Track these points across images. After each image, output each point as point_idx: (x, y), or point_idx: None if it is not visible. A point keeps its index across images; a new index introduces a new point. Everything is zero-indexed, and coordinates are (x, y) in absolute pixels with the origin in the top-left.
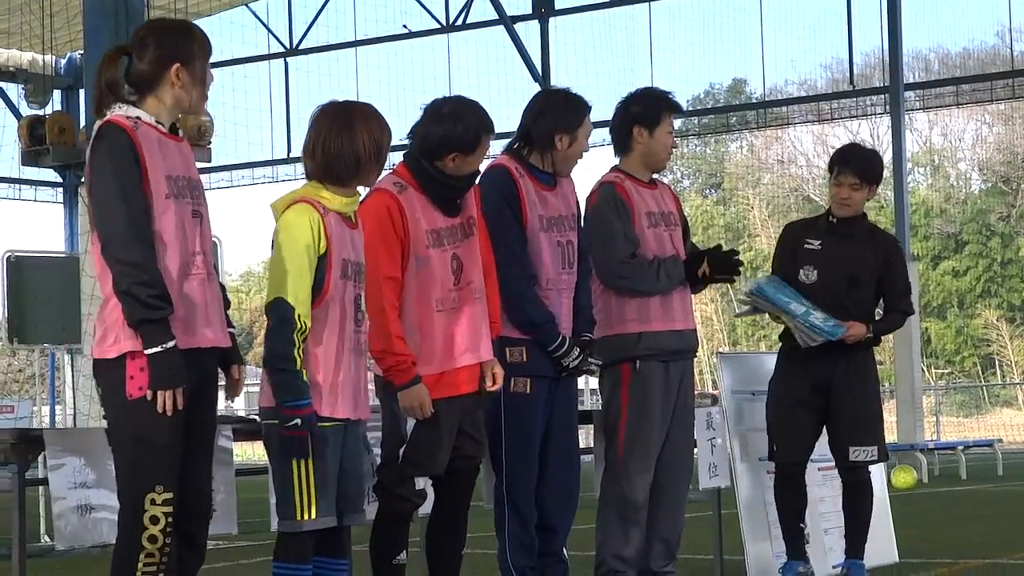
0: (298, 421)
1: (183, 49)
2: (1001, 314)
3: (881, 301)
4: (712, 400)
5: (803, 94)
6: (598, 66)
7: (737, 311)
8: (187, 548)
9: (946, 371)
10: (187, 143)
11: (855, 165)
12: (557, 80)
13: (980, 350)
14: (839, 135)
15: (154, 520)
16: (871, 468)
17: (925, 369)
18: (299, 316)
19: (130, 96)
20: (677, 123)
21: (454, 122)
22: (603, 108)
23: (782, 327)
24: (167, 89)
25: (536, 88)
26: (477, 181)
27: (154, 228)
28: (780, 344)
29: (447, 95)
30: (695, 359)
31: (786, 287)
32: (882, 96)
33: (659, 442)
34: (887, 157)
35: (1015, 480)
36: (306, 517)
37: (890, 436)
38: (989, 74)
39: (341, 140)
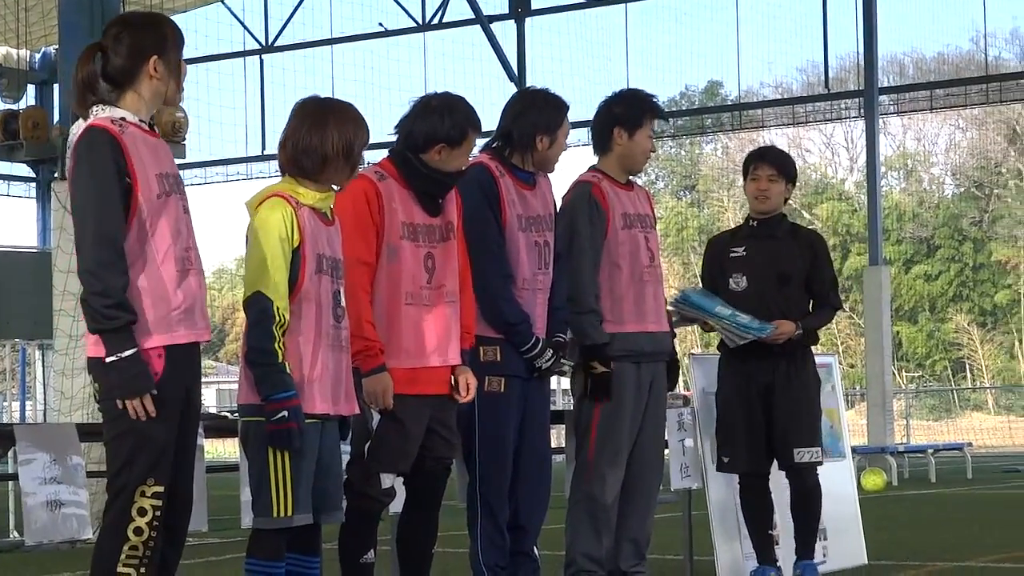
0: (285, 413)
1: (157, 41)
2: (972, 318)
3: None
4: (684, 401)
5: (778, 97)
6: (574, 66)
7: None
8: (169, 545)
9: (917, 374)
10: (163, 141)
11: (771, 159)
12: (532, 80)
13: (951, 354)
14: (813, 138)
15: (142, 512)
16: (819, 470)
17: (896, 372)
18: (278, 309)
19: (108, 93)
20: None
21: (442, 115)
22: (579, 109)
23: (719, 337)
24: (145, 82)
25: (512, 88)
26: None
27: (147, 230)
28: (719, 354)
29: (436, 91)
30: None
31: (711, 294)
32: (857, 100)
33: (630, 443)
34: (861, 160)
35: (984, 484)
36: (283, 514)
37: (860, 439)
38: (963, 79)
39: (311, 136)
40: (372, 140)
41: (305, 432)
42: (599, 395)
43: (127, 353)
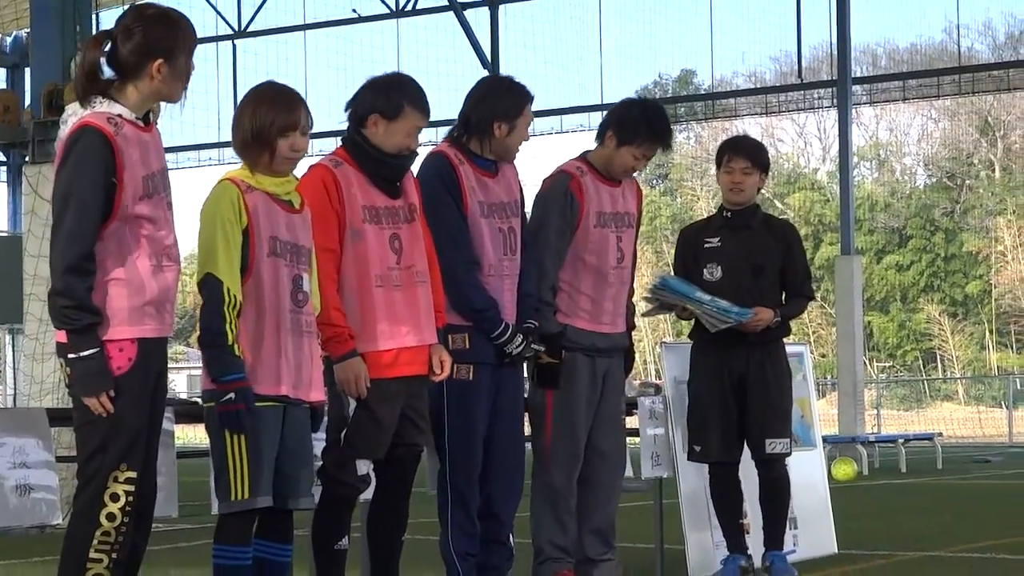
0: (232, 395)
1: (167, 43)
2: (943, 309)
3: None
4: (656, 390)
5: (751, 86)
6: (547, 54)
7: (643, 311)
8: (136, 531)
9: (888, 364)
10: (157, 130)
11: (745, 150)
12: (506, 68)
13: (922, 344)
14: (786, 128)
15: (114, 497)
16: (787, 460)
17: (867, 362)
18: (228, 290)
19: (111, 79)
20: None
21: (381, 88)
22: (552, 97)
23: (692, 323)
24: (146, 81)
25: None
26: (417, 172)
27: (128, 227)
28: (692, 342)
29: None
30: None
31: (689, 281)
32: (829, 89)
33: (586, 431)
34: (833, 150)
35: (954, 473)
36: (240, 496)
37: (831, 428)
38: (936, 70)
39: (233, 122)
40: (341, 127)
41: (261, 414)
42: (544, 384)
43: (86, 353)
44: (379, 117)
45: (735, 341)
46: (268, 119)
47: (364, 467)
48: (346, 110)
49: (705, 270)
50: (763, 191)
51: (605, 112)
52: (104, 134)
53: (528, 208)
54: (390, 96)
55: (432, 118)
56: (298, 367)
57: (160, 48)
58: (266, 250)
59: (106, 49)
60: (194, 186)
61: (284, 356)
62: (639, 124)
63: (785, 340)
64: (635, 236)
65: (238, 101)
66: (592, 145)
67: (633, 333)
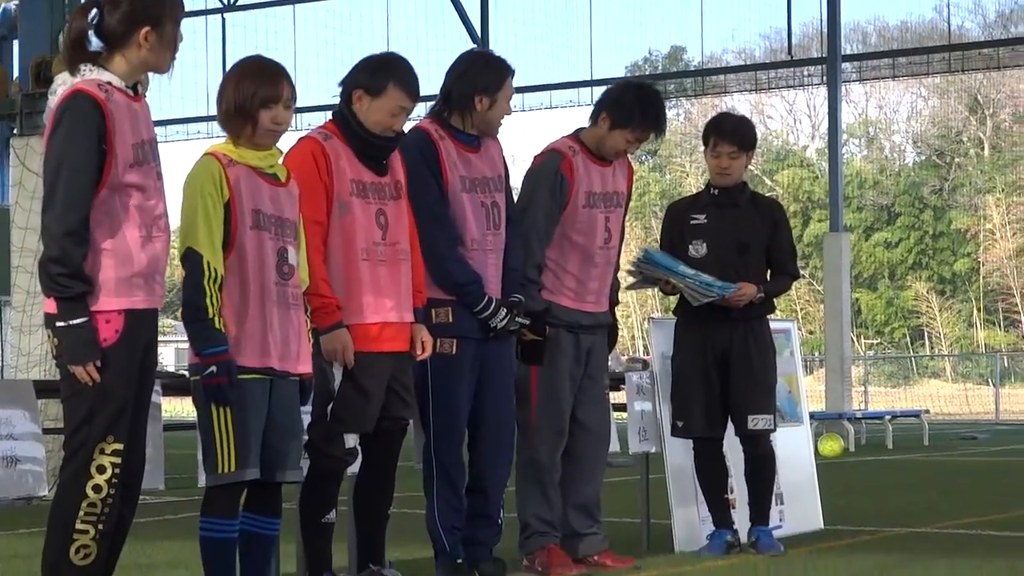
0: (214, 368)
1: (154, 11)
2: (931, 286)
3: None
4: (643, 365)
5: (741, 63)
6: (537, 30)
7: (625, 284)
8: (123, 503)
9: (875, 341)
10: (145, 101)
11: (731, 134)
12: (496, 44)
13: (910, 321)
14: (776, 104)
15: (101, 469)
16: (772, 436)
17: (855, 339)
18: (208, 263)
19: (98, 50)
20: None
21: (371, 65)
22: (541, 72)
23: (676, 299)
24: (134, 50)
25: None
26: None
27: (117, 196)
28: (676, 318)
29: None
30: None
31: (673, 255)
32: (819, 67)
33: (569, 406)
34: (823, 128)
35: (941, 451)
36: (227, 469)
37: (819, 404)
38: (926, 47)
39: (219, 95)
40: (331, 102)
41: (247, 387)
42: (529, 360)
43: (76, 321)
44: (363, 93)
45: (719, 317)
46: (250, 91)
47: (351, 440)
48: (339, 85)
49: (691, 246)
50: (752, 168)
51: (594, 88)
52: (95, 99)
53: (516, 183)
54: (376, 73)
55: (421, 93)
56: (285, 339)
57: (147, 16)
58: (249, 223)
59: (92, 19)
60: (183, 159)
61: (270, 329)
62: (634, 109)
63: (773, 317)
64: (624, 215)
65: None
66: (584, 122)
67: (618, 309)
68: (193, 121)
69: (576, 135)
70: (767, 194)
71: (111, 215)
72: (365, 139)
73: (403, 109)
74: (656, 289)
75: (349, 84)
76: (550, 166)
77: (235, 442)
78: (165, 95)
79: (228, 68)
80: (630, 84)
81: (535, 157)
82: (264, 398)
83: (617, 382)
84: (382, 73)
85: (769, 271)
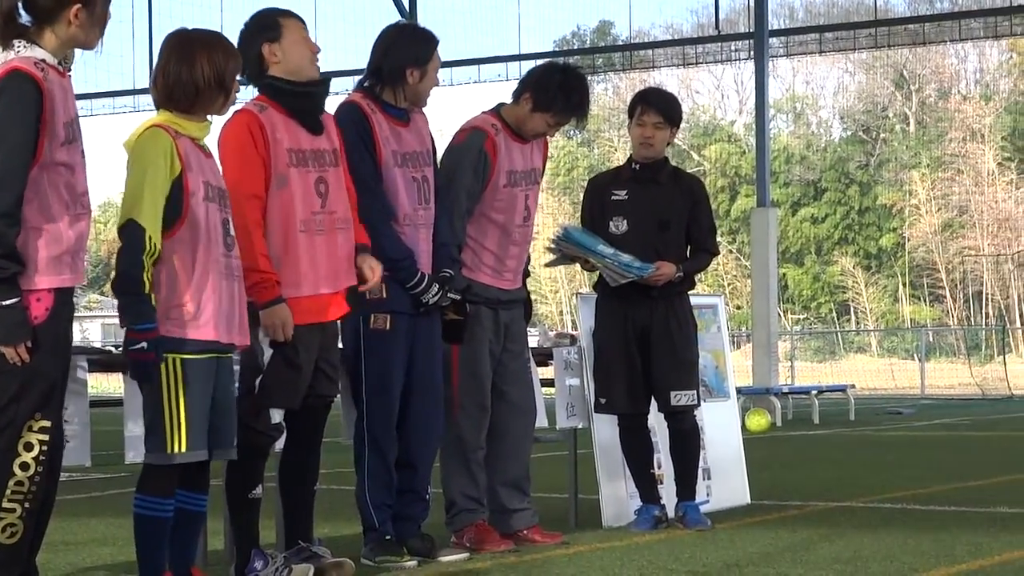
0: (143, 345)
1: None
2: (857, 262)
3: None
4: (571, 340)
5: (669, 38)
6: (465, 4)
7: (545, 261)
8: (49, 481)
9: (802, 316)
10: (70, 77)
11: (657, 104)
12: (424, 18)
13: (836, 296)
14: (704, 80)
15: (28, 447)
16: (696, 412)
17: (781, 314)
18: (149, 238)
19: (27, 24)
20: None
21: (256, 22)
22: (469, 46)
23: (597, 275)
24: (63, 26)
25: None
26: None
27: (47, 175)
28: (596, 294)
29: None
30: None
31: (593, 233)
32: (747, 42)
33: (490, 380)
34: (750, 103)
35: (866, 425)
36: (176, 450)
37: (745, 380)
38: (852, 23)
39: (181, 68)
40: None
41: (200, 368)
42: (450, 339)
43: (8, 302)
44: (267, 44)
45: (638, 295)
46: (226, 64)
47: (277, 416)
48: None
49: (611, 223)
50: (681, 143)
51: (522, 63)
52: (35, 79)
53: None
54: (259, 19)
55: (348, 67)
56: (230, 311)
57: None
58: (201, 195)
59: None
60: (108, 134)
61: (217, 301)
62: (557, 93)
63: (700, 292)
64: (538, 192)
65: (154, 49)
66: (507, 99)
67: (546, 284)
68: (120, 95)
69: (497, 111)
70: (695, 169)
71: (40, 194)
72: (297, 93)
73: (306, 37)
74: (575, 265)
75: (252, 48)
76: (473, 144)
77: (187, 423)
78: (91, 67)
79: (174, 41)
80: (555, 67)
81: (456, 134)
82: (211, 377)
83: (545, 357)
84: (268, 19)
85: (689, 248)
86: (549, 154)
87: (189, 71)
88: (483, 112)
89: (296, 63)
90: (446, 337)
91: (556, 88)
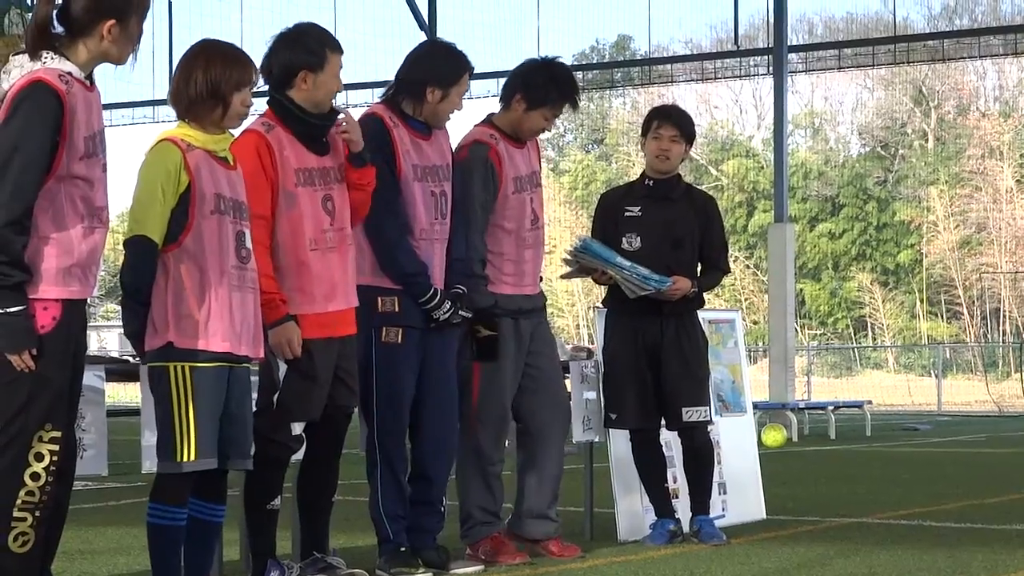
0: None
1: (121, 4)
2: (874, 277)
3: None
4: (588, 354)
5: (688, 53)
6: (485, 17)
7: (561, 273)
8: (61, 489)
9: (819, 332)
10: (97, 89)
11: (675, 119)
12: (444, 31)
13: (853, 312)
14: (722, 94)
15: (39, 457)
16: (709, 428)
17: (798, 329)
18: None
19: (60, 35)
20: None
21: (296, 42)
22: (488, 61)
23: (607, 289)
24: (96, 40)
25: (422, 38)
26: None
27: (63, 187)
28: (607, 310)
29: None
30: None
31: (610, 248)
32: (765, 57)
33: (512, 393)
34: (768, 118)
35: (883, 441)
36: (185, 458)
37: (762, 395)
38: (871, 39)
39: (180, 80)
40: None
41: (208, 376)
42: (485, 358)
43: (14, 309)
44: (307, 72)
45: (649, 310)
46: (223, 74)
47: (297, 428)
48: (263, 70)
49: (624, 239)
50: (699, 158)
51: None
52: (57, 92)
53: None
54: (308, 46)
55: (367, 79)
56: (243, 323)
57: (113, 9)
58: (210, 207)
59: (58, 2)
60: (127, 144)
61: (227, 312)
62: (549, 87)
63: (717, 307)
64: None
65: (174, 59)
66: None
67: (563, 296)
68: (139, 105)
69: (490, 122)
70: (712, 184)
71: (55, 204)
72: (307, 122)
73: (338, 74)
74: (589, 278)
75: (286, 68)
76: (478, 157)
77: (196, 431)
78: (111, 78)
79: (185, 53)
80: (537, 63)
81: (457, 151)
82: (222, 387)
83: (562, 371)
84: (317, 41)
85: (700, 265)
86: (566, 168)
87: (184, 82)
88: (475, 125)
89: (321, 99)
90: (481, 355)
91: (547, 83)
